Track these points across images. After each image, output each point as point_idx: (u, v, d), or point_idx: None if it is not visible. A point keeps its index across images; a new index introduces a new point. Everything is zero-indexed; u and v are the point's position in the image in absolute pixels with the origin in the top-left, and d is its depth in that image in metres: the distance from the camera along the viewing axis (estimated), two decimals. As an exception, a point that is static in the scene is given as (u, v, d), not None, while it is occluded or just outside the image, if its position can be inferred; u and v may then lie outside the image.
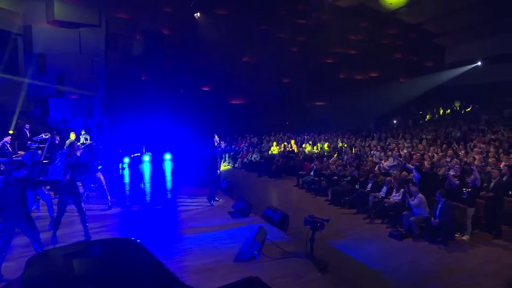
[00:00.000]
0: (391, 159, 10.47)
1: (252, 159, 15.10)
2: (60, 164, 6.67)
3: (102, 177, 8.23)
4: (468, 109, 23.29)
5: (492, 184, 7.38)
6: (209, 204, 8.49)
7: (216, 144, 8.49)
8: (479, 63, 23.82)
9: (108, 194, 8.13)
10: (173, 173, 12.66)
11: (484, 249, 6.70)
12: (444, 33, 24.74)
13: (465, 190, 7.20)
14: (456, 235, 7.16)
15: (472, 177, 7.18)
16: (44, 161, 7.98)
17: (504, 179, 7.73)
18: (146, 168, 14.63)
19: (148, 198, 9.30)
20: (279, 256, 5.40)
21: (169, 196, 9.54)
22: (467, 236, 7.15)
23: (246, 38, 21.04)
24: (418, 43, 25.70)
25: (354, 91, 22.85)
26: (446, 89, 25.32)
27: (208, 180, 8.85)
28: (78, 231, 6.45)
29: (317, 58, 22.91)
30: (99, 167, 12.86)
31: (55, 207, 6.32)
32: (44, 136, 9.36)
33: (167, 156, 16.46)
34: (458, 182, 7.51)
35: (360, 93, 22.68)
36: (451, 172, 8.14)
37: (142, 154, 15.74)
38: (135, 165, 14.71)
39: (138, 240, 3.73)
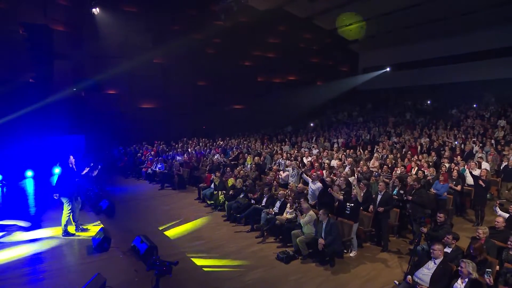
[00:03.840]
0: (290, 169, 9.97)
1: (157, 169, 13.73)
2: None
3: None
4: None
5: (379, 197, 7.15)
6: (70, 235, 7.01)
7: (70, 165, 7.11)
8: (388, 69, 25.37)
9: None
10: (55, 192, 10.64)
11: (368, 266, 6.39)
12: (356, 40, 25.88)
13: (348, 205, 6.82)
14: (344, 251, 6.80)
15: (354, 191, 6.83)
16: None
17: (390, 190, 7.61)
18: (26, 187, 12.39)
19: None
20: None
21: (24, 226, 7.80)
22: (354, 252, 6.84)
23: (157, 38, 19.56)
24: (333, 48, 26.49)
25: (273, 94, 22.69)
26: (359, 92, 26.59)
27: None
28: None
29: (234, 60, 22.19)
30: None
31: None
32: None
33: (56, 170, 14.16)
34: (342, 197, 7.12)
35: (278, 96, 22.57)
36: (336, 184, 7.77)
37: (23, 170, 13.40)
38: (14, 183, 12.37)
39: None
